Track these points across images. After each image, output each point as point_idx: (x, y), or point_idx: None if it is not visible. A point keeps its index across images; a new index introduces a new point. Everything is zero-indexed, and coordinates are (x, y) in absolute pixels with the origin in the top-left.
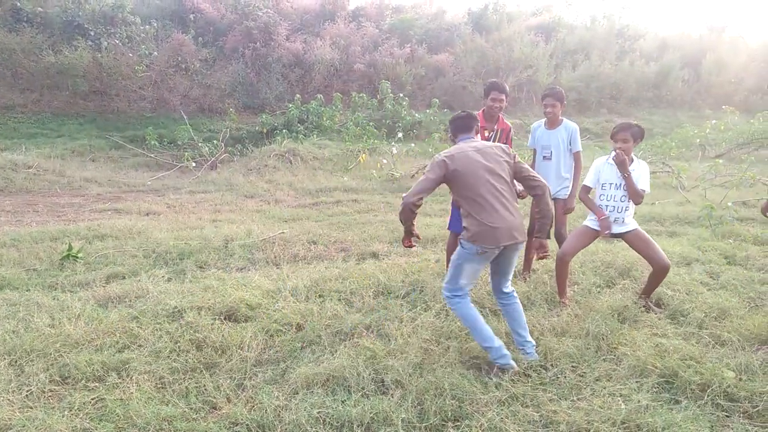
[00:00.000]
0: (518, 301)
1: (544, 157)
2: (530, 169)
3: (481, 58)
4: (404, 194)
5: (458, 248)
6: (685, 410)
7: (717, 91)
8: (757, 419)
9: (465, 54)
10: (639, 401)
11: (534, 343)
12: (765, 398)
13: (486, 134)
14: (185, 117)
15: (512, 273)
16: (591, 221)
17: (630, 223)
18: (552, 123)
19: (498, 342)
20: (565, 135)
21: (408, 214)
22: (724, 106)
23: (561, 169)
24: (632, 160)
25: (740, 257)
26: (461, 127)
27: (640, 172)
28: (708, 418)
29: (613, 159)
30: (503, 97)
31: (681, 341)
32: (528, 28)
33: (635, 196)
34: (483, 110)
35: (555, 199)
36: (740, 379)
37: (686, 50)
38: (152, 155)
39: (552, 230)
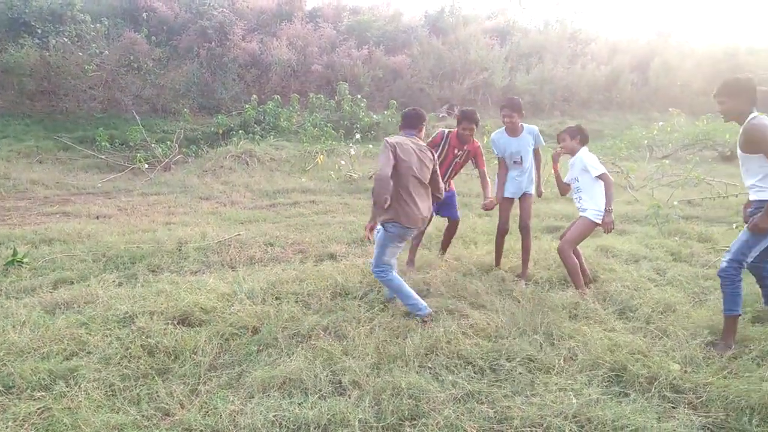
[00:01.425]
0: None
1: (514, 162)
2: (439, 179)
3: (438, 61)
4: (374, 176)
5: (382, 231)
6: (633, 403)
7: (664, 94)
8: (701, 409)
9: (422, 56)
10: (590, 395)
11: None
12: (708, 389)
13: (456, 151)
14: (137, 117)
15: None
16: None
17: (585, 210)
18: (514, 131)
19: (414, 299)
20: (530, 138)
21: (386, 184)
22: (670, 109)
23: (531, 170)
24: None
25: (685, 254)
26: (408, 123)
27: (586, 161)
28: (655, 409)
29: (552, 156)
30: (473, 126)
31: (630, 336)
32: (483, 31)
33: (560, 188)
34: (457, 132)
35: (524, 194)
36: (685, 372)
37: (635, 55)
38: (103, 157)
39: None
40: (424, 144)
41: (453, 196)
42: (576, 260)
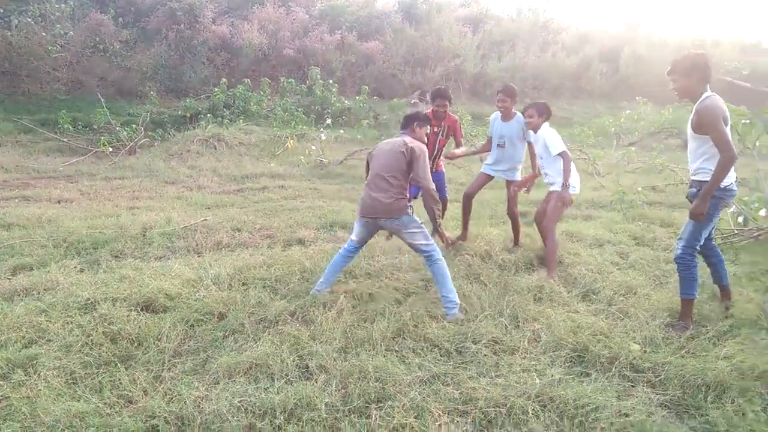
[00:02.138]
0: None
1: (498, 144)
2: (418, 172)
3: (411, 47)
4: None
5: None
6: (594, 382)
7: (632, 83)
8: (659, 388)
9: (395, 42)
10: (552, 375)
11: None
12: (666, 368)
13: (435, 129)
14: (102, 100)
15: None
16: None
17: (553, 184)
18: (506, 116)
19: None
20: (517, 126)
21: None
22: (638, 98)
23: (513, 155)
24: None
25: (648, 238)
26: (402, 123)
27: (547, 139)
28: (615, 388)
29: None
30: (446, 102)
31: (592, 317)
32: (456, 19)
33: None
34: (432, 110)
35: (510, 181)
36: (645, 352)
37: (605, 44)
38: (65, 140)
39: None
40: (400, 139)
41: (443, 176)
42: (556, 243)
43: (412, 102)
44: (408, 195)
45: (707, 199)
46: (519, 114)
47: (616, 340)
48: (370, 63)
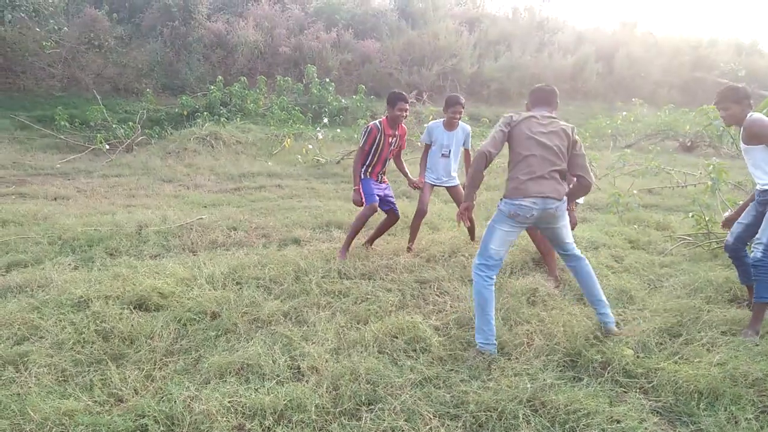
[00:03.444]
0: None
1: (442, 154)
2: None
3: (407, 46)
4: None
5: None
6: (586, 387)
7: (628, 84)
8: (651, 394)
9: (391, 41)
10: (544, 380)
11: None
12: (659, 374)
13: (390, 140)
14: (98, 97)
15: None
16: None
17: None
18: (452, 126)
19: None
20: (462, 136)
21: None
22: (633, 99)
23: (454, 165)
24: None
25: (643, 242)
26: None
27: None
28: (607, 394)
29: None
30: (407, 106)
31: (586, 321)
32: (453, 18)
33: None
34: (387, 118)
35: (453, 187)
36: (638, 357)
37: (600, 44)
38: (62, 137)
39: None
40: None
41: (389, 188)
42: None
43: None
44: None
45: None
46: (462, 123)
47: (609, 345)
48: (367, 62)
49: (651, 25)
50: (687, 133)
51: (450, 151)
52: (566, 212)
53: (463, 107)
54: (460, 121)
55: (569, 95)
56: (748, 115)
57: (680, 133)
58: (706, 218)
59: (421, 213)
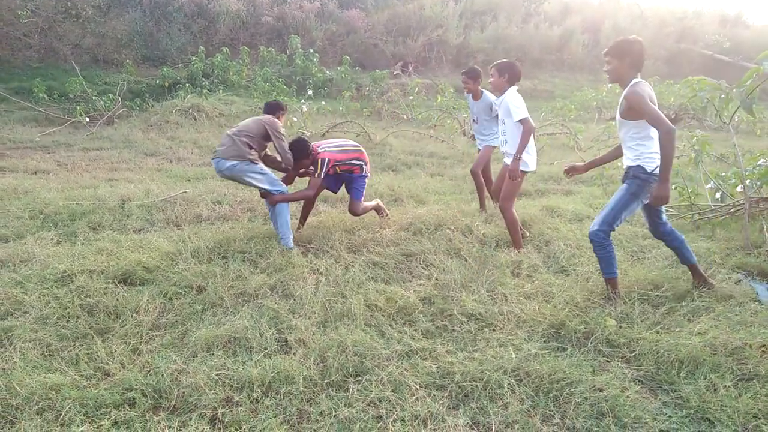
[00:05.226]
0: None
1: (474, 120)
2: None
3: (393, 16)
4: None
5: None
6: (570, 357)
7: None
8: (633, 363)
9: (376, 11)
10: (529, 350)
11: None
12: (641, 344)
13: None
14: (77, 68)
15: None
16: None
17: (510, 155)
18: (475, 96)
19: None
20: (484, 105)
21: None
22: None
23: (483, 130)
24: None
25: None
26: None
27: (510, 103)
28: (590, 363)
29: None
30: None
31: (569, 293)
32: None
33: None
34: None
35: (484, 147)
36: (620, 327)
37: (586, 15)
38: (41, 109)
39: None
40: None
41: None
42: (516, 217)
43: (395, 74)
44: None
45: (668, 180)
46: (486, 93)
47: (592, 316)
48: (352, 32)
49: None
50: (671, 105)
51: (477, 117)
52: None
53: (470, 77)
54: (484, 91)
55: (556, 67)
56: (633, 81)
57: (665, 105)
58: (689, 190)
59: (471, 172)
